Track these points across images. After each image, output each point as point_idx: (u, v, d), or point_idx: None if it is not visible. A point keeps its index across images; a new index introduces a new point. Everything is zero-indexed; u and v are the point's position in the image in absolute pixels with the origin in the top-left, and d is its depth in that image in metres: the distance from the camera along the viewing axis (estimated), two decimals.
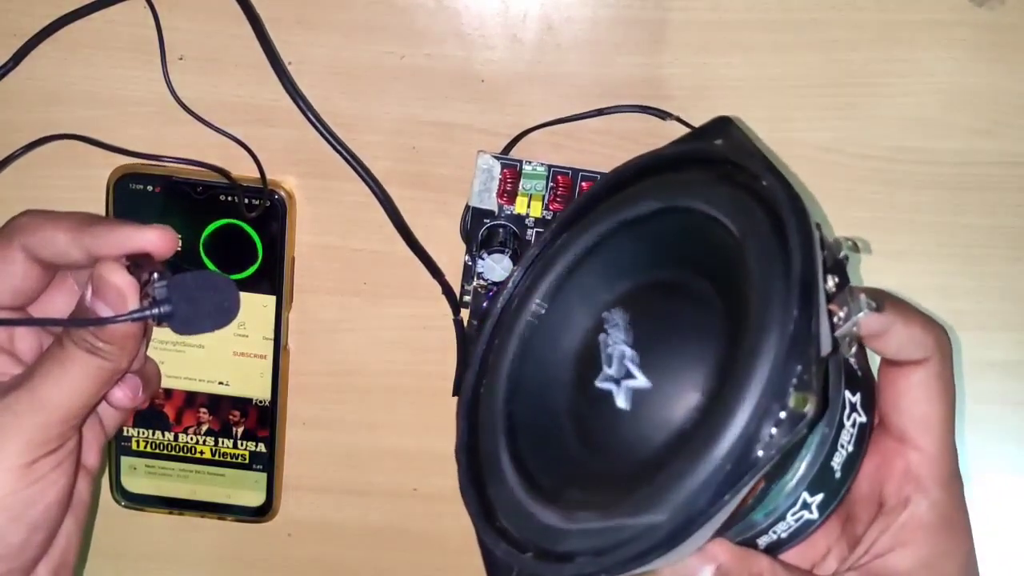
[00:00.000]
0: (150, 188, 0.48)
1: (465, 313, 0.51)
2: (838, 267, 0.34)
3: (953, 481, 0.38)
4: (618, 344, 0.38)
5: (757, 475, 0.31)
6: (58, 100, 0.49)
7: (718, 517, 0.32)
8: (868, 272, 0.50)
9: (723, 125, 0.40)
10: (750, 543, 0.37)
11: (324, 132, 0.47)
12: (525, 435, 0.39)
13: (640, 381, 0.37)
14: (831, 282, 0.34)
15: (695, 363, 0.35)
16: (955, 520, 0.38)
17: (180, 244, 0.49)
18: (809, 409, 0.30)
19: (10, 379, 0.40)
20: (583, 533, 0.34)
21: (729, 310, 0.35)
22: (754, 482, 0.31)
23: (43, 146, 0.49)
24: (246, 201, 0.48)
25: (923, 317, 0.38)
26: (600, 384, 0.38)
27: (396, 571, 0.55)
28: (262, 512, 0.53)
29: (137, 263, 0.39)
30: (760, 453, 0.30)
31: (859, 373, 0.38)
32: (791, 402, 0.30)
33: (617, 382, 0.37)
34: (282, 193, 0.49)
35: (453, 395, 0.52)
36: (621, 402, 0.37)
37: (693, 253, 0.38)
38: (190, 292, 0.40)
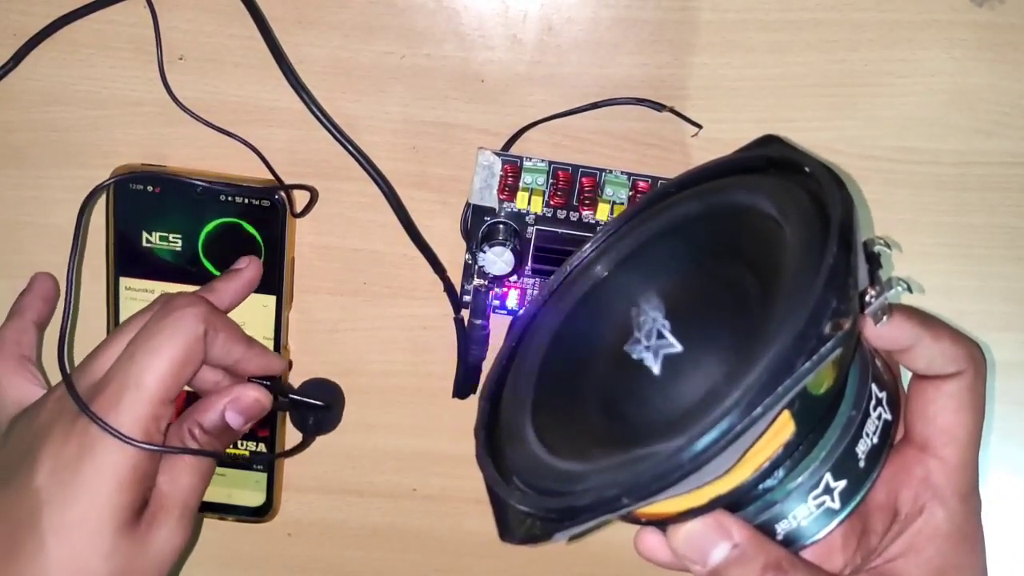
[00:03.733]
0: (150, 188, 0.48)
1: (465, 312, 0.51)
2: (872, 259, 0.35)
3: (971, 496, 0.37)
4: (651, 313, 0.39)
5: (790, 393, 0.30)
6: (58, 100, 0.49)
7: (748, 436, 0.31)
8: None
9: (768, 140, 0.41)
10: (768, 529, 0.36)
11: (332, 129, 0.47)
12: (549, 415, 0.39)
13: (673, 346, 0.37)
14: (864, 271, 0.34)
15: (729, 331, 0.36)
16: (970, 535, 0.37)
17: (178, 244, 0.49)
18: (847, 326, 0.30)
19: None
20: (602, 470, 0.34)
21: (766, 284, 0.35)
22: (784, 403, 0.31)
23: (43, 146, 0.49)
24: (246, 201, 0.48)
25: (954, 332, 0.37)
26: (633, 352, 0.38)
27: (396, 571, 0.55)
28: (262, 512, 0.53)
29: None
30: (798, 366, 0.30)
31: (886, 378, 0.38)
32: (827, 329, 0.30)
33: (649, 348, 0.38)
34: (282, 193, 0.49)
35: (453, 396, 0.52)
36: (654, 367, 0.37)
37: (734, 245, 0.39)
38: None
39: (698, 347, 0.37)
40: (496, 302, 0.50)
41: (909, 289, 0.35)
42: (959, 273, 0.51)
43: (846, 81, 0.48)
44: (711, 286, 0.39)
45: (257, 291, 0.49)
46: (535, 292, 0.50)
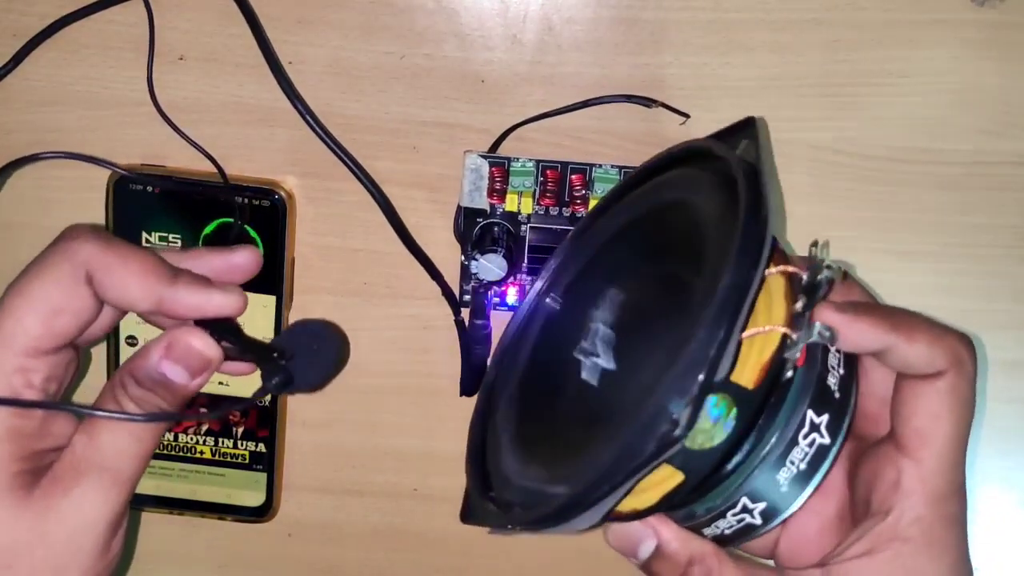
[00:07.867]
0: (150, 188, 0.48)
1: (465, 312, 0.50)
2: (811, 289, 0.35)
3: (947, 500, 0.36)
4: (598, 322, 0.41)
5: (629, 483, 0.33)
6: (58, 101, 0.49)
7: (602, 504, 0.34)
8: (873, 271, 0.49)
9: (746, 124, 0.40)
10: (771, 479, 0.36)
11: (320, 132, 0.47)
12: (527, 411, 0.42)
13: (604, 361, 0.39)
14: (800, 303, 0.35)
15: (663, 351, 0.36)
16: (940, 540, 0.35)
17: (178, 245, 0.49)
18: (679, 431, 0.32)
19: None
20: (522, 489, 0.38)
21: (695, 271, 0.36)
22: (627, 489, 0.33)
23: (43, 146, 0.49)
24: (246, 201, 0.48)
25: (932, 332, 0.35)
26: (576, 354, 0.41)
27: (396, 571, 0.55)
28: (262, 512, 0.53)
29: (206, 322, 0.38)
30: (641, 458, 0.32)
31: (837, 396, 0.37)
32: (683, 419, 0.32)
33: (588, 355, 0.40)
34: (282, 193, 0.49)
35: (461, 395, 0.51)
36: (587, 375, 0.40)
37: (663, 243, 0.40)
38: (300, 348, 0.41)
39: (631, 366, 0.39)
40: (496, 299, 0.50)
41: (831, 340, 0.34)
42: (963, 273, 0.50)
43: (848, 81, 0.47)
44: (666, 290, 0.39)
45: (257, 291, 0.49)
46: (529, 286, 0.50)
